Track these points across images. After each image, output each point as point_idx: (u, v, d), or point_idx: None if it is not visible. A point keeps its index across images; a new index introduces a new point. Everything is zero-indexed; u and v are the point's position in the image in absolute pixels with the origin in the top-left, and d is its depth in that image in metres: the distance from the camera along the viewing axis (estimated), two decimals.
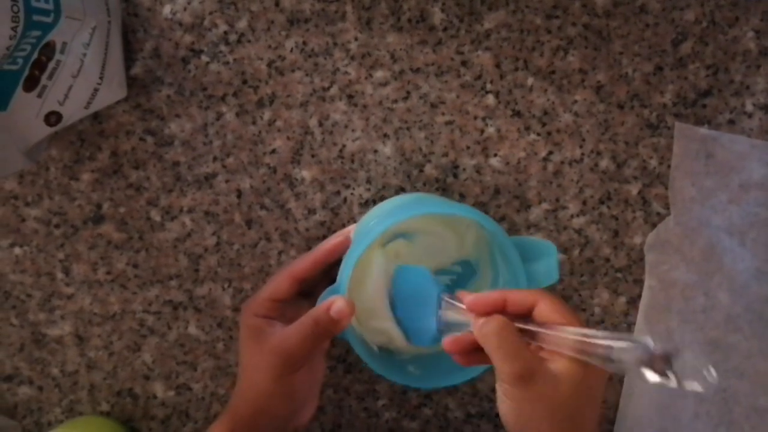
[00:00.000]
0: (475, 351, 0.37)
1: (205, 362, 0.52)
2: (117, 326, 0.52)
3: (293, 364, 0.41)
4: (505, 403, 0.36)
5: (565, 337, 0.34)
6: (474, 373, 0.43)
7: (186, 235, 0.51)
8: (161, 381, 0.52)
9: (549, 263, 0.42)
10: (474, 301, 0.37)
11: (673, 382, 0.29)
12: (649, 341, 0.30)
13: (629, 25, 0.49)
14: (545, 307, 0.36)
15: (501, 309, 0.37)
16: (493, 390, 0.52)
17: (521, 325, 0.36)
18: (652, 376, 0.30)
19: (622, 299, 0.51)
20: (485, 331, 0.36)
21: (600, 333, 0.33)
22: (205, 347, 0.52)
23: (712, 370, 0.29)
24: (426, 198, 0.48)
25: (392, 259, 0.45)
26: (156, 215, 0.51)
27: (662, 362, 0.30)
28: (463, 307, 0.39)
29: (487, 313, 0.37)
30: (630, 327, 0.51)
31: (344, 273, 0.41)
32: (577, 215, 0.51)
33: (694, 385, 0.29)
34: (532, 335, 0.35)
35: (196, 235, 0.51)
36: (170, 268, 0.51)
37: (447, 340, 0.38)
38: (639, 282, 0.51)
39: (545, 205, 0.50)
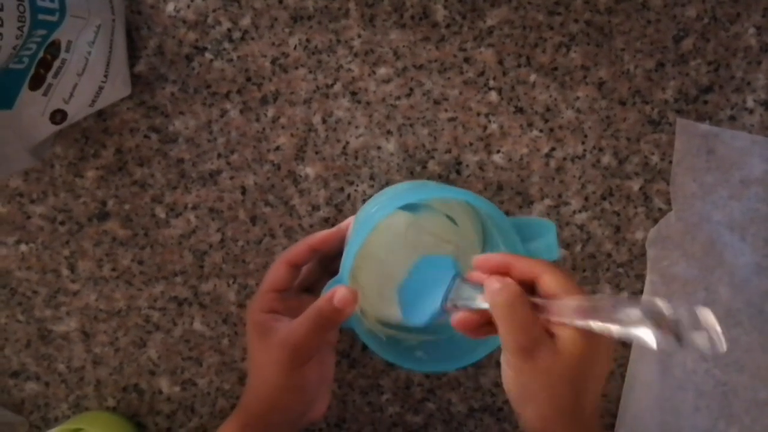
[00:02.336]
0: (481, 326, 0.38)
1: (211, 358, 0.52)
2: (123, 322, 0.52)
3: (301, 356, 0.41)
4: (508, 373, 0.37)
5: (569, 305, 0.34)
6: (480, 356, 0.43)
7: (191, 231, 0.51)
8: (167, 376, 0.53)
9: (548, 241, 0.42)
10: (483, 259, 0.38)
11: (679, 344, 0.29)
12: (657, 302, 0.30)
13: (631, 21, 0.49)
14: (549, 280, 0.36)
15: (505, 273, 0.37)
16: (496, 384, 0.52)
17: (532, 299, 0.36)
18: (657, 338, 0.30)
19: (624, 294, 0.52)
20: (497, 300, 0.36)
21: (605, 298, 0.33)
22: (210, 343, 0.52)
23: (722, 337, 0.29)
24: (425, 184, 0.49)
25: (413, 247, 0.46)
26: (161, 212, 0.51)
27: (670, 325, 0.30)
28: (475, 284, 0.39)
29: (492, 272, 0.37)
30: None
31: (346, 262, 0.41)
32: (579, 211, 0.51)
33: (700, 345, 0.29)
34: (541, 308, 0.36)
35: (201, 232, 0.51)
36: (175, 264, 0.51)
37: (456, 318, 0.39)
38: (640, 277, 0.51)
39: (547, 201, 0.51)
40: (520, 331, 0.35)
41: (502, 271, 0.38)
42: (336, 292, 0.40)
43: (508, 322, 0.36)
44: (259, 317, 0.43)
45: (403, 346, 0.46)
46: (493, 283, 0.37)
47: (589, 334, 0.34)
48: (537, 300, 0.36)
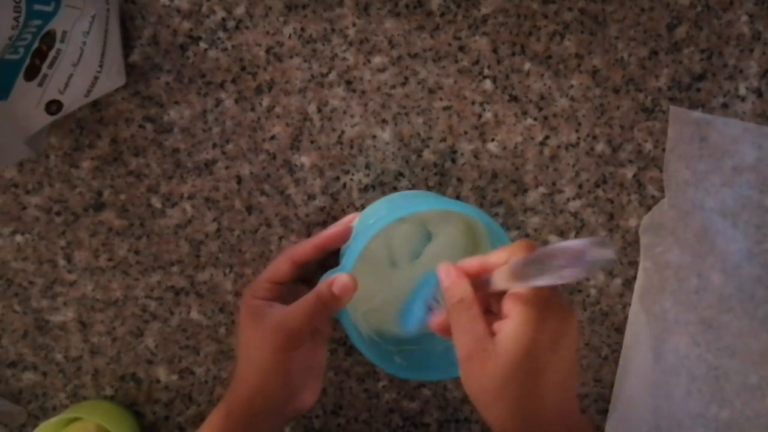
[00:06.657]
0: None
1: (208, 347, 0.53)
2: (120, 312, 0.52)
3: (294, 340, 0.42)
4: (462, 379, 0.37)
5: (503, 272, 0.35)
6: (451, 375, 0.43)
7: (187, 221, 0.51)
8: (164, 365, 0.53)
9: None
10: (447, 273, 0.38)
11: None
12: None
13: (625, 9, 0.49)
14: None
15: (482, 273, 0.38)
16: None
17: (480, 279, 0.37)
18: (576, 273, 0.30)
19: (618, 281, 0.52)
20: (447, 301, 0.37)
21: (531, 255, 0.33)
22: (207, 332, 0.53)
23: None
24: (426, 195, 0.49)
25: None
26: (156, 202, 0.51)
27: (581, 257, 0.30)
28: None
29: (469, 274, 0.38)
30: (625, 308, 0.52)
31: (349, 261, 0.41)
32: (573, 199, 0.51)
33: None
34: (486, 284, 0.36)
35: (197, 222, 0.51)
36: (171, 254, 0.52)
37: (432, 320, 0.40)
38: (634, 264, 0.52)
39: (542, 189, 0.51)
40: (464, 334, 0.36)
41: (476, 273, 0.38)
42: (337, 278, 0.41)
43: (455, 325, 0.37)
44: (254, 302, 0.43)
45: (384, 349, 0.46)
46: (444, 283, 0.38)
47: (529, 326, 0.34)
48: (482, 279, 0.37)
